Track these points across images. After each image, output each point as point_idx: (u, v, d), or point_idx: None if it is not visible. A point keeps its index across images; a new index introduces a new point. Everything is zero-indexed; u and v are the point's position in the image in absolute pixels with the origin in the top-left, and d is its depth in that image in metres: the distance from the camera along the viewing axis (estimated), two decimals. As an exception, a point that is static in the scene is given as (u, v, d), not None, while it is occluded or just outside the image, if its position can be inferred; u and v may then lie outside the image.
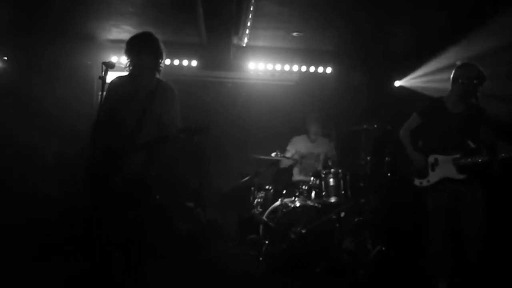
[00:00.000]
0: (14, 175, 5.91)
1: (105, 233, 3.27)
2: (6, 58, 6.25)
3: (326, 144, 6.25)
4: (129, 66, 3.40)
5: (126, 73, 3.48)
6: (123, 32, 5.86)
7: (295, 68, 6.74)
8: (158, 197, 5.65)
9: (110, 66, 3.16)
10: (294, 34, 5.92)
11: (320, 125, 6.14)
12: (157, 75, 3.50)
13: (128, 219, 3.29)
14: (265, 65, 6.64)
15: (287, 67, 6.72)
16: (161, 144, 3.40)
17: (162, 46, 3.47)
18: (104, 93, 3.34)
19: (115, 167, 3.22)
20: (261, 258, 5.03)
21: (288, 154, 6.07)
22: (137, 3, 5.01)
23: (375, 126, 5.19)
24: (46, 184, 5.84)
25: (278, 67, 6.73)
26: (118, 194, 3.22)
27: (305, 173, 5.96)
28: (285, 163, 6.18)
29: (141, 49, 3.37)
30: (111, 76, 3.36)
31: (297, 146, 6.21)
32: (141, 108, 3.35)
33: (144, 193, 3.38)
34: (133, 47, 3.38)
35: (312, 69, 6.80)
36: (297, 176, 6.12)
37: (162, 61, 3.50)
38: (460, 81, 3.93)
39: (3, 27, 5.87)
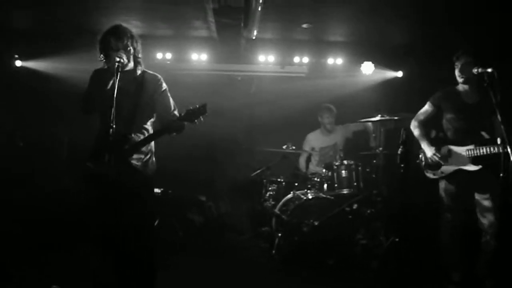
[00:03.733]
0: (31, 168, 5.98)
1: (108, 228, 3.26)
2: (17, 56, 6.28)
3: (341, 130, 6.24)
4: (106, 61, 3.29)
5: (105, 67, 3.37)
6: (133, 27, 5.78)
7: (305, 60, 6.70)
8: (159, 191, 5.68)
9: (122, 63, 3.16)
10: (304, 25, 5.87)
11: (332, 115, 6.14)
12: (140, 67, 3.44)
13: (132, 215, 3.28)
14: (275, 58, 6.60)
15: (297, 59, 6.68)
16: (165, 135, 3.37)
17: (135, 36, 3.38)
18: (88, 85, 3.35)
19: (112, 163, 3.14)
20: (273, 251, 5.04)
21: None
22: (146, -2, 5.01)
23: (387, 116, 5.13)
24: (62, 176, 5.90)
25: (288, 59, 6.68)
26: (118, 190, 3.16)
27: (322, 165, 5.95)
28: (301, 164, 6.18)
29: (115, 43, 3.25)
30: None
31: (312, 143, 6.21)
32: (131, 101, 3.32)
33: (144, 189, 3.37)
34: (106, 42, 3.27)
35: (322, 60, 6.74)
36: (313, 167, 6.11)
37: (138, 50, 3.39)
38: (469, 71, 3.82)
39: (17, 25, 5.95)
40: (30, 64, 6.33)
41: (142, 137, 3.37)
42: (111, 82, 3.15)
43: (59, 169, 6.17)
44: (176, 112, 3.46)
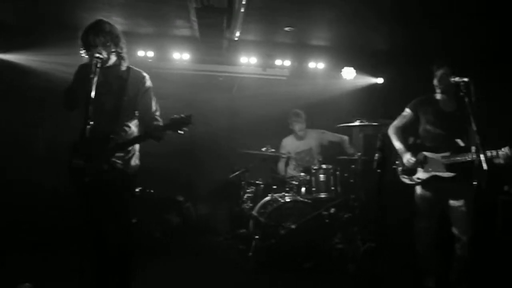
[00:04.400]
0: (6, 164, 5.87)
1: (93, 226, 3.26)
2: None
3: (316, 135, 6.28)
4: (89, 57, 3.19)
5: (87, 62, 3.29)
6: (115, 24, 5.77)
7: (287, 63, 6.72)
8: (138, 190, 5.64)
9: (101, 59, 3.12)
10: (286, 28, 5.89)
11: (300, 120, 6.18)
12: (124, 63, 3.39)
13: (111, 213, 3.26)
14: (257, 59, 6.60)
15: (278, 62, 6.69)
16: (146, 140, 3.35)
17: (118, 32, 3.32)
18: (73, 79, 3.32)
19: (95, 160, 3.14)
20: (250, 253, 5.03)
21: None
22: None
23: (366, 122, 5.18)
24: (37, 173, 5.80)
25: (269, 61, 6.69)
26: (96, 188, 3.15)
27: (300, 169, 5.97)
28: (280, 168, 6.20)
29: (93, 38, 3.18)
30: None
31: (287, 148, 6.24)
32: (114, 98, 3.28)
33: (123, 187, 3.34)
34: (85, 38, 3.21)
35: (303, 64, 6.77)
36: (291, 171, 6.13)
37: (121, 46, 3.33)
38: (446, 81, 3.91)
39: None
40: (8, 57, 6.20)
41: (124, 136, 3.33)
42: (90, 77, 3.07)
43: (35, 165, 6.05)
44: (157, 114, 3.43)
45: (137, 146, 3.45)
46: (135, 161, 3.41)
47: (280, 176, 6.04)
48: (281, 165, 6.24)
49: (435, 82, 4.04)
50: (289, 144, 6.29)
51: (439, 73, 4.00)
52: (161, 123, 3.39)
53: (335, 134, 6.16)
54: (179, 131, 3.22)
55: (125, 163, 3.32)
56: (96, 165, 3.13)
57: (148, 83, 3.43)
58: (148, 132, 3.32)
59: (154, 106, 3.44)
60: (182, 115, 3.21)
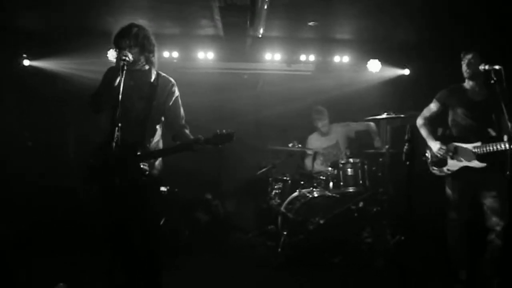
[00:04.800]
0: (37, 169, 6.03)
1: (119, 228, 3.27)
2: (25, 55, 6.33)
3: (340, 128, 6.24)
4: (120, 60, 3.15)
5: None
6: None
7: (311, 58, 6.68)
8: (166, 189, 5.70)
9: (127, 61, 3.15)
10: (310, 23, 5.85)
11: (322, 116, 6.14)
12: (154, 69, 3.42)
13: (139, 215, 3.29)
14: (281, 56, 6.60)
15: (303, 57, 6.66)
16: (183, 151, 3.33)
17: (148, 36, 3.33)
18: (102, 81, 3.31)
19: (125, 165, 3.14)
20: (279, 249, 5.04)
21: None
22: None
23: (393, 114, 5.12)
24: (68, 177, 5.93)
25: (294, 57, 6.67)
26: (126, 191, 3.14)
27: (327, 164, 5.94)
28: (307, 164, 6.20)
29: (120, 41, 3.22)
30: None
31: (314, 144, 6.22)
32: (145, 103, 3.31)
33: (149, 189, 3.35)
34: (114, 41, 3.25)
35: (328, 58, 6.72)
36: (318, 167, 6.11)
37: (153, 53, 3.36)
38: (475, 67, 3.85)
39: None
40: (38, 64, 6.37)
41: (154, 143, 3.37)
42: (117, 80, 3.11)
43: (67, 169, 6.20)
44: (184, 121, 3.46)
45: (160, 145, 3.47)
46: (159, 162, 3.43)
47: (308, 171, 6.02)
48: (308, 161, 6.22)
49: (464, 67, 3.97)
50: (315, 141, 6.26)
51: (467, 58, 3.93)
52: (188, 129, 3.44)
53: (360, 123, 6.10)
54: (219, 145, 3.23)
55: (150, 165, 3.33)
56: (127, 170, 3.16)
57: (177, 91, 3.46)
58: (188, 144, 3.29)
59: (182, 113, 3.48)
60: (225, 131, 3.21)
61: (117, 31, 3.30)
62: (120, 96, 2.98)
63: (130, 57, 3.16)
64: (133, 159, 3.20)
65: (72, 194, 5.73)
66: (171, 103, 3.42)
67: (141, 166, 3.24)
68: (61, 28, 6.09)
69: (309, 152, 6.14)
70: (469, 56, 3.91)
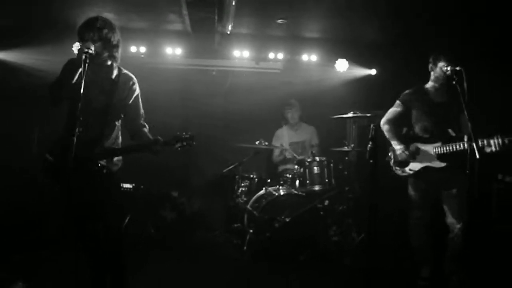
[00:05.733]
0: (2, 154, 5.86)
1: (81, 226, 3.21)
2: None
3: (310, 131, 6.29)
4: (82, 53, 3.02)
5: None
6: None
7: (280, 56, 6.68)
8: (132, 186, 5.63)
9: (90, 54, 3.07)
10: (279, 21, 5.86)
11: (294, 109, 6.20)
12: (116, 64, 3.33)
13: (99, 211, 3.23)
14: (249, 53, 6.58)
15: (271, 55, 6.66)
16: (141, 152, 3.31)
17: (115, 32, 3.24)
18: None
19: (82, 161, 3.07)
20: (245, 247, 5.03)
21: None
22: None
23: (359, 113, 5.17)
24: (32, 172, 5.78)
25: (263, 54, 6.66)
26: (86, 188, 3.13)
27: (292, 161, 5.96)
28: (276, 158, 6.21)
29: (83, 33, 3.12)
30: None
31: (281, 139, 6.24)
32: (105, 98, 3.24)
33: (110, 183, 3.30)
34: (78, 33, 3.15)
35: (296, 56, 6.74)
36: (283, 165, 6.13)
37: (116, 48, 3.26)
38: (439, 68, 3.92)
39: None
40: (1, 56, 6.17)
41: (112, 139, 3.30)
42: (78, 72, 3.02)
43: (29, 164, 6.03)
44: (143, 119, 3.41)
45: (119, 144, 3.41)
46: (118, 158, 3.37)
47: (275, 161, 6.04)
48: (276, 154, 6.26)
49: (436, 75, 4.00)
50: (283, 135, 6.31)
51: (439, 66, 3.92)
52: (147, 128, 3.40)
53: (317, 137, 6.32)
54: (178, 149, 3.21)
55: (109, 161, 3.27)
56: (83, 166, 3.09)
57: (138, 88, 3.40)
58: (147, 145, 3.27)
59: (142, 111, 3.43)
60: (185, 134, 3.20)
61: (82, 23, 3.20)
62: (82, 89, 2.91)
63: (92, 49, 3.08)
64: (90, 157, 3.14)
65: (34, 190, 5.58)
66: (131, 101, 3.36)
67: (99, 164, 3.19)
68: (25, 19, 5.91)
69: (276, 147, 6.17)
70: (441, 64, 3.89)
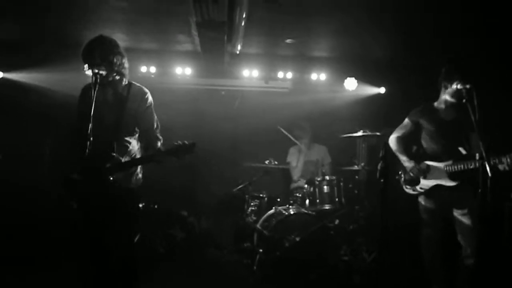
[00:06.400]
0: (14, 172, 5.91)
1: (95, 240, 3.25)
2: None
3: (322, 151, 6.28)
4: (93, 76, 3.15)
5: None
6: (117, 40, 5.82)
7: (289, 75, 6.73)
8: (142, 205, 5.62)
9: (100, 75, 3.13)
10: (288, 41, 5.91)
11: (305, 134, 6.18)
12: (125, 79, 3.38)
13: (114, 229, 3.26)
14: (259, 72, 6.62)
15: (280, 74, 6.70)
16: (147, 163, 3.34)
17: (117, 47, 3.31)
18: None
19: (96, 178, 3.15)
20: (255, 267, 4.98)
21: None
22: (129, 10, 4.99)
23: (369, 132, 5.17)
24: (44, 191, 5.82)
25: (271, 74, 6.70)
26: (101, 204, 3.17)
27: (304, 181, 5.94)
28: (295, 179, 6.23)
29: (92, 55, 3.18)
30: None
31: (294, 157, 6.23)
32: (114, 114, 3.28)
33: (126, 202, 3.32)
34: (84, 54, 3.22)
35: (305, 75, 6.77)
36: (295, 183, 6.11)
37: (121, 62, 3.30)
38: (448, 85, 3.90)
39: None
40: (11, 76, 6.26)
41: (125, 152, 3.32)
42: (91, 95, 3.10)
43: (42, 184, 6.08)
44: (158, 131, 3.43)
45: (139, 168, 3.43)
46: (136, 176, 3.40)
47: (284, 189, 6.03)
48: (292, 169, 6.27)
49: (446, 93, 3.96)
50: (296, 153, 6.32)
51: (454, 87, 3.81)
52: (161, 141, 3.41)
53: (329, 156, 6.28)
54: (179, 157, 3.20)
55: (126, 179, 3.31)
56: (96, 181, 3.13)
57: (150, 99, 3.42)
58: (149, 156, 3.31)
59: (155, 123, 3.44)
60: (186, 142, 3.20)
61: (84, 47, 3.26)
62: (92, 111, 2.96)
63: (102, 71, 3.14)
64: (101, 170, 3.16)
65: (46, 208, 5.61)
66: (143, 111, 3.37)
67: (111, 179, 3.19)
68: (36, 40, 6.03)
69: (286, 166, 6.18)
70: (455, 86, 3.76)
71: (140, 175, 3.44)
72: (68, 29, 5.64)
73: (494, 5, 4.56)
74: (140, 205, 5.61)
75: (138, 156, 3.44)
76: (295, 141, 6.28)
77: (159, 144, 3.39)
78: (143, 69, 6.42)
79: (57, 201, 5.41)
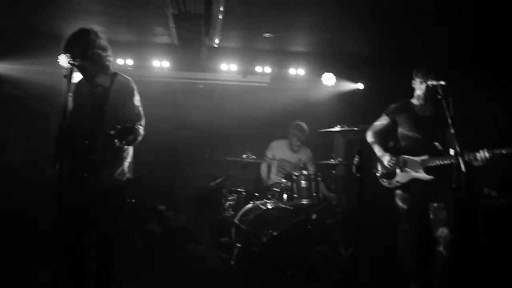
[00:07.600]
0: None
1: (76, 234, 3.27)
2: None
3: (307, 154, 6.23)
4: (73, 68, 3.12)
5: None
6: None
7: (267, 69, 6.71)
8: (133, 200, 5.57)
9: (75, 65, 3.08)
10: (266, 35, 5.89)
11: (301, 134, 6.11)
12: (106, 70, 3.36)
13: (100, 223, 3.30)
14: (237, 66, 6.58)
15: (259, 69, 6.68)
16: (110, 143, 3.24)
17: (100, 41, 3.30)
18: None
19: (84, 171, 3.15)
20: (232, 261, 4.98)
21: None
22: (104, 1, 4.90)
23: (346, 127, 5.18)
24: (15, 183, 5.71)
25: (250, 68, 6.67)
26: (89, 197, 3.19)
27: (281, 175, 5.93)
28: (263, 171, 6.17)
29: (78, 48, 3.19)
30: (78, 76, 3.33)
31: (275, 152, 6.18)
32: (96, 105, 3.25)
33: (116, 196, 3.35)
34: (69, 48, 3.20)
35: (284, 70, 6.76)
36: (274, 177, 6.09)
37: (105, 56, 3.32)
38: (422, 82, 3.95)
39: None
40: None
41: (110, 148, 3.27)
42: (84, 89, 3.19)
43: (11, 174, 5.96)
44: (139, 116, 3.38)
45: (128, 155, 3.41)
46: (122, 172, 3.36)
47: (263, 180, 5.99)
48: (263, 168, 6.21)
49: (420, 89, 4.01)
50: (279, 149, 6.21)
51: (424, 80, 3.93)
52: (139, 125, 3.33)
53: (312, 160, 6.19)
54: (123, 142, 3.13)
55: (110, 174, 3.29)
56: (78, 177, 3.14)
57: (134, 91, 3.39)
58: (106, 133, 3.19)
59: (138, 110, 3.40)
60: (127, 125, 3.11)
61: (67, 38, 3.25)
62: (70, 103, 2.96)
63: (77, 63, 3.10)
64: (84, 161, 3.16)
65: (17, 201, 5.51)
66: (125, 98, 3.34)
67: (88, 173, 3.18)
68: (9, 29, 5.86)
69: (265, 161, 6.14)
70: (430, 81, 3.84)
71: (126, 172, 3.39)
72: (43, 19, 5.51)
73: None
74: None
75: (125, 148, 3.38)
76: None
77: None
78: (120, 61, 6.32)
79: (32, 192, 5.40)
